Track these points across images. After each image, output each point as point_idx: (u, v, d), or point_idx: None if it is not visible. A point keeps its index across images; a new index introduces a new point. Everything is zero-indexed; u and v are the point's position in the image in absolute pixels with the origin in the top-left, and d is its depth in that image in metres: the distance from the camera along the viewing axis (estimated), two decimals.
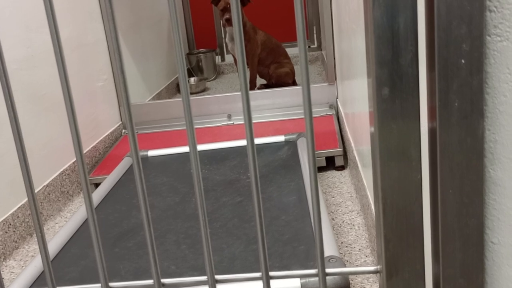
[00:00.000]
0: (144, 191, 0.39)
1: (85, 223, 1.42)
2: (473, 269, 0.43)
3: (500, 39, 0.36)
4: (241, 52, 0.38)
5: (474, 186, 0.39)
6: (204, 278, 0.43)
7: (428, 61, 0.38)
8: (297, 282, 1.00)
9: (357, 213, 1.62)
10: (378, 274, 0.43)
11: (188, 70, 3.67)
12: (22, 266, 1.49)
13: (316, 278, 1.00)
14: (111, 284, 0.43)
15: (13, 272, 1.47)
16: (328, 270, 0.44)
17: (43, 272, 1.20)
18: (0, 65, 0.41)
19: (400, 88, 0.37)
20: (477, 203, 0.40)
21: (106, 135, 2.25)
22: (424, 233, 0.42)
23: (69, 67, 2.00)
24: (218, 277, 0.44)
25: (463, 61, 0.36)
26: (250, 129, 0.42)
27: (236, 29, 0.38)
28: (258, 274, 0.44)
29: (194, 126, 2.03)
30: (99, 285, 0.42)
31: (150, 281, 0.43)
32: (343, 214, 1.64)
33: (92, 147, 2.10)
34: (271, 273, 0.44)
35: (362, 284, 1.28)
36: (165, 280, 0.43)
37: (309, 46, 3.80)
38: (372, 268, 0.43)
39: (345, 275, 1.01)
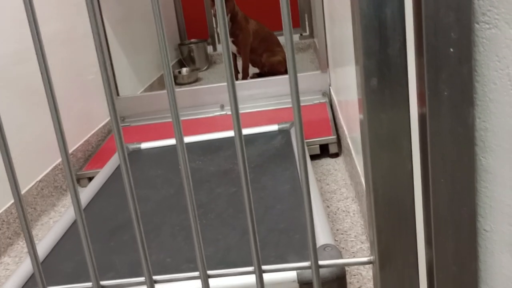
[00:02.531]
0: (132, 191, 0.39)
1: None
2: (466, 256, 0.43)
3: (489, 26, 0.36)
4: (226, 43, 0.38)
5: (466, 175, 0.39)
6: (196, 273, 0.43)
7: (416, 51, 0.37)
8: (293, 272, 1.00)
9: (352, 200, 1.63)
10: (370, 265, 0.43)
11: (180, 60, 3.64)
12: (17, 263, 1.49)
13: None
14: (102, 282, 0.42)
15: (8, 269, 1.47)
16: (321, 262, 0.44)
17: (32, 275, 1.19)
18: None
19: (389, 78, 0.36)
20: (469, 192, 0.40)
21: (99, 129, 2.23)
22: (417, 223, 0.42)
23: (59, 61, 1.98)
24: (210, 272, 0.43)
25: (451, 49, 0.36)
26: (237, 121, 0.42)
27: (221, 21, 0.38)
28: (251, 269, 0.44)
29: (182, 118, 2.01)
30: (90, 284, 0.42)
31: (141, 278, 0.43)
32: (338, 201, 1.64)
33: (84, 141, 2.08)
34: (264, 267, 0.44)
35: (358, 271, 1.29)
36: (156, 277, 0.43)
37: (301, 34, 3.78)
38: (365, 259, 0.43)
39: (339, 265, 1.01)
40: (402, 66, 0.36)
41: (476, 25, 0.36)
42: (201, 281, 0.42)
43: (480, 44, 0.36)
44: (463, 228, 0.41)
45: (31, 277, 1.15)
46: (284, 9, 0.37)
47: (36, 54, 0.39)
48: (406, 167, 0.39)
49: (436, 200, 0.40)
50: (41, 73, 0.39)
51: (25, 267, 1.16)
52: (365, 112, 0.37)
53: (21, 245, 1.57)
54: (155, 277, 0.43)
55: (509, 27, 0.34)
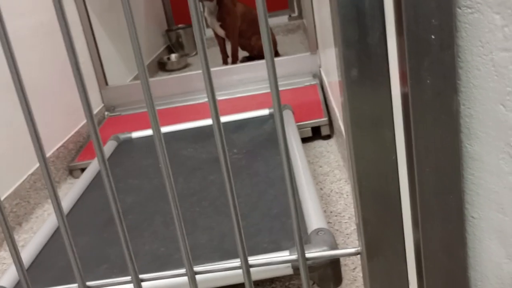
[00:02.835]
0: (114, 194, 0.38)
1: (72, 210, 1.41)
2: (455, 244, 0.43)
3: (471, 11, 0.35)
4: (200, 32, 0.36)
5: (451, 163, 0.39)
6: (182, 271, 0.43)
7: (397, 39, 0.36)
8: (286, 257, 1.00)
9: (345, 181, 1.63)
10: (359, 256, 0.43)
11: (168, 47, 3.60)
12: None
13: (306, 254, 1.01)
14: (88, 283, 0.42)
15: (4, 263, 1.46)
16: (308, 255, 0.43)
17: (34, 261, 1.19)
18: None
19: (370, 68, 0.35)
20: (455, 180, 0.39)
21: None
22: (404, 213, 0.41)
23: (45, 52, 1.95)
24: (197, 269, 0.43)
25: (433, 36, 0.34)
26: (215, 110, 0.41)
27: (193, 10, 0.36)
28: (237, 264, 0.43)
29: (173, 106, 1.99)
30: (76, 285, 0.41)
31: (128, 278, 0.42)
32: (331, 183, 1.64)
33: (75, 132, 2.06)
34: (251, 261, 0.44)
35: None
36: (143, 276, 0.42)
37: (289, 15, 3.74)
38: (352, 250, 0.43)
39: (334, 246, 1.02)
40: (382, 55, 0.35)
41: (458, 10, 0.35)
42: (188, 277, 0.42)
43: (463, 29, 0.35)
44: (451, 216, 0.41)
45: (28, 269, 1.15)
46: None
47: (4, 50, 0.38)
48: (390, 157, 0.38)
49: (422, 189, 0.39)
50: (11, 72, 0.38)
51: (10, 273, 1.16)
52: (346, 103, 0.36)
53: (16, 239, 1.57)
54: (141, 276, 0.42)
55: (491, 11, 0.33)
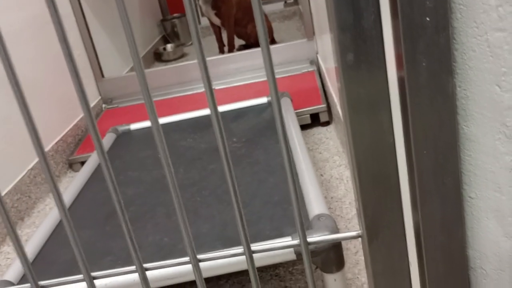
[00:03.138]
0: (114, 182, 0.38)
1: (73, 203, 1.41)
2: (453, 225, 0.43)
3: None
4: (194, 22, 0.36)
5: (449, 145, 0.39)
6: (186, 259, 0.43)
7: (392, 22, 0.36)
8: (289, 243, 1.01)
9: (345, 167, 1.63)
10: (360, 239, 0.44)
11: (164, 37, 3.58)
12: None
13: (309, 239, 1.02)
14: (93, 273, 0.42)
15: (8, 258, 1.48)
16: (310, 239, 0.44)
17: (37, 255, 1.20)
18: None
19: (365, 52, 0.36)
20: (452, 161, 0.40)
21: None
22: (402, 195, 0.42)
23: (39, 45, 1.94)
24: (200, 256, 0.43)
25: (428, 18, 0.35)
26: (213, 99, 0.41)
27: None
28: (240, 250, 0.44)
29: (171, 96, 1.98)
30: (81, 276, 0.42)
31: (132, 267, 0.43)
32: (331, 169, 1.65)
33: (73, 126, 2.06)
34: (254, 247, 0.44)
35: None
36: (147, 265, 0.43)
37: (285, 1, 3.71)
38: (353, 234, 0.43)
39: (335, 230, 1.02)
40: (377, 38, 0.36)
41: None
42: (192, 265, 0.42)
43: (458, 11, 0.36)
44: (449, 196, 0.41)
45: (32, 263, 1.16)
46: None
47: None
48: (387, 140, 0.39)
49: (420, 171, 0.39)
50: (4, 67, 0.38)
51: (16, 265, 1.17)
52: (343, 87, 0.36)
53: (19, 233, 1.58)
54: (146, 265, 0.43)
55: None
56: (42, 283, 0.40)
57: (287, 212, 1.20)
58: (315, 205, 1.15)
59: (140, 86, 0.39)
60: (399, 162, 0.40)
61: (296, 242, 0.43)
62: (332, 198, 1.54)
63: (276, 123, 0.38)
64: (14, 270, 1.13)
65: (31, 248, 1.20)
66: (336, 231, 1.04)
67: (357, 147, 0.38)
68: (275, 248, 0.43)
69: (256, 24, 0.36)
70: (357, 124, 0.37)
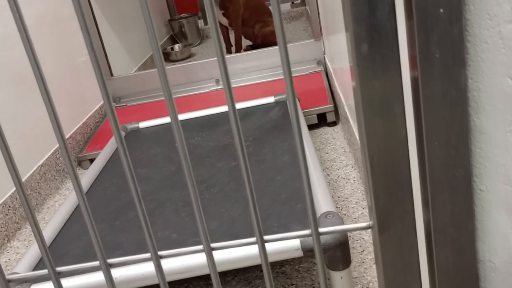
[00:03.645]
0: (131, 169, 0.39)
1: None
2: (463, 217, 0.44)
3: None
4: (214, 21, 0.37)
5: (460, 137, 0.39)
6: (200, 247, 0.44)
7: (406, 13, 0.37)
8: (296, 240, 1.02)
9: (352, 167, 1.64)
10: (370, 230, 0.44)
11: (172, 36, 3.60)
12: (27, 246, 1.51)
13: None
14: (109, 260, 0.43)
15: (18, 253, 1.49)
16: (321, 230, 0.45)
17: (49, 247, 1.21)
18: None
19: (379, 43, 0.36)
20: (463, 153, 0.40)
21: (96, 110, 2.23)
22: (413, 187, 0.42)
23: (48, 44, 1.96)
24: (213, 245, 0.44)
25: (441, 10, 0.35)
26: (230, 95, 0.42)
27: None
28: (253, 239, 0.44)
29: (179, 95, 2.00)
30: (97, 262, 0.43)
31: (147, 255, 0.44)
32: (338, 169, 1.65)
33: (82, 123, 2.08)
34: (266, 237, 0.45)
35: (361, 235, 1.31)
36: (162, 252, 0.44)
37: (292, 2, 3.72)
38: (364, 224, 0.44)
39: (339, 231, 1.03)
40: (392, 30, 0.36)
41: None
42: (205, 254, 0.43)
43: (471, 2, 0.36)
44: (459, 189, 0.42)
45: (42, 259, 1.17)
46: None
47: (22, 39, 0.39)
48: (400, 131, 0.39)
49: (431, 163, 0.40)
50: (29, 59, 0.39)
51: (34, 250, 1.18)
52: (357, 79, 0.37)
53: (29, 229, 1.59)
54: (160, 253, 0.44)
55: None
56: (59, 269, 0.41)
57: (294, 210, 1.20)
58: (323, 203, 1.15)
59: (161, 83, 0.40)
60: (411, 154, 0.41)
61: (307, 232, 0.44)
62: (338, 197, 1.54)
63: (292, 122, 0.39)
64: (23, 265, 1.14)
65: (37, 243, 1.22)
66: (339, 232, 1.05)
67: (370, 138, 0.39)
68: (287, 238, 0.43)
69: (275, 24, 0.37)
70: (370, 115, 0.38)
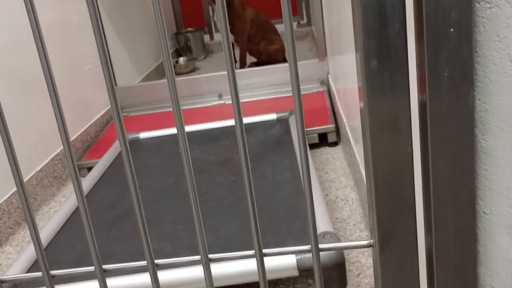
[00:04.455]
0: (133, 173, 0.39)
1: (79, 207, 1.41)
2: (466, 239, 0.43)
3: (490, 6, 0.36)
4: (226, 30, 0.37)
5: (466, 157, 0.39)
6: (197, 257, 0.43)
7: (416, 31, 0.37)
8: (292, 258, 1.00)
9: (351, 188, 1.63)
10: (370, 249, 0.44)
11: (177, 50, 3.62)
12: (19, 252, 1.49)
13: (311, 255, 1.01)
14: (105, 266, 0.42)
15: (10, 258, 1.47)
16: (321, 246, 0.44)
17: (36, 260, 1.20)
18: None
19: (389, 59, 0.36)
20: (468, 174, 0.40)
21: (97, 119, 2.23)
22: (416, 205, 0.42)
23: (55, 50, 1.97)
24: (212, 256, 0.43)
25: (452, 29, 0.35)
26: (238, 110, 0.42)
27: (221, 11, 0.37)
28: (251, 252, 0.44)
29: (181, 108, 2.01)
30: (93, 267, 0.42)
31: (143, 262, 0.43)
32: (337, 190, 1.65)
33: (83, 131, 2.08)
34: (265, 251, 0.44)
35: (357, 258, 1.29)
36: (158, 261, 0.43)
37: (298, 22, 3.76)
38: (365, 242, 0.43)
39: (339, 250, 1.02)
40: (402, 47, 0.36)
41: (477, 5, 0.36)
42: (203, 264, 0.42)
43: (481, 24, 0.36)
44: (463, 210, 0.41)
45: (33, 265, 1.15)
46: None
47: (36, 44, 0.39)
48: (405, 149, 0.39)
49: (436, 182, 0.40)
50: (41, 63, 0.39)
51: (27, 255, 1.17)
52: (365, 93, 0.37)
53: (22, 235, 1.58)
54: (157, 261, 0.43)
55: (510, 6, 0.34)
56: (53, 272, 0.40)
57: (292, 228, 1.19)
58: (321, 223, 1.14)
59: (171, 96, 0.40)
60: (416, 172, 0.40)
61: (307, 247, 0.43)
62: (336, 218, 1.53)
63: (298, 139, 0.39)
64: (14, 270, 1.13)
65: (33, 248, 1.20)
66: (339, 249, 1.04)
67: (375, 153, 0.38)
68: (286, 252, 0.43)
69: (287, 45, 0.37)
70: (377, 130, 0.38)
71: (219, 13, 0.40)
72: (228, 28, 0.39)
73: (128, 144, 0.39)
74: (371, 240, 0.43)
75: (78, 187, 0.38)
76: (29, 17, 0.38)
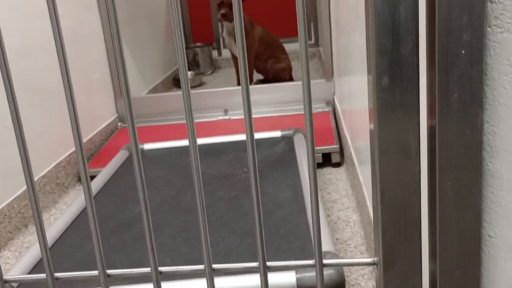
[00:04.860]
0: (142, 180, 0.39)
1: (80, 215, 1.41)
2: (470, 262, 0.43)
3: (501, 30, 0.36)
4: (242, 46, 0.38)
5: (473, 179, 0.39)
6: (201, 267, 0.43)
7: (428, 51, 0.38)
8: (292, 276, 1.00)
9: (353, 210, 1.62)
10: (374, 267, 0.43)
11: None
12: (17, 257, 1.49)
13: (311, 273, 1.00)
14: (109, 271, 0.42)
15: (8, 263, 1.46)
16: (325, 261, 0.44)
17: (37, 262, 1.19)
18: (1, 56, 0.40)
19: (400, 77, 0.37)
20: (475, 196, 0.40)
21: (102, 128, 2.24)
22: (422, 225, 0.42)
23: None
24: (215, 266, 0.43)
25: (463, 51, 0.36)
26: (250, 125, 0.42)
27: (238, 25, 0.38)
28: (255, 264, 0.44)
29: (183, 121, 2.02)
30: (97, 272, 0.42)
31: (147, 269, 0.43)
32: (339, 211, 1.64)
33: (88, 140, 2.09)
34: (269, 263, 0.44)
35: (357, 281, 1.28)
36: (162, 268, 0.43)
37: None
38: (369, 260, 0.43)
39: (340, 270, 1.01)
40: (413, 66, 0.37)
41: (488, 29, 0.37)
42: (206, 274, 0.42)
43: (492, 48, 0.37)
44: (468, 232, 0.41)
45: (31, 271, 1.15)
46: (300, 17, 0.38)
47: (57, 50, 0.40)
48: (413, 168, 0.39)
49: (442, 202, 0.40)
50: (60, 69, 0.40)
51: (28, 257, 1.16)
52: (375, 109, 0.38)
53: (21, 240, 1.57)
54: (160, 269, 0.43)
55: None
56: (57, 274, 0.40)
57: (292, 246, 1.19)
58: (322, 243, 1.14)
59: (185, 107, 0.40)
60: (422, 191, 0.40)
61: (311, 262, 0.43)
62: (337, 239, 1.52)
63: (308, 160, 0.39)
64: (17, 269, 1.12)
65: (32, 253, 1.20)
66: (341, 270, 1.03)
67: (383, 171, 0.39)
68: (290, 266, 0.43)
69: (301, 63, 0.38)
70: (385, 148, 0.38)
71: (237, 32, 0.41)
72: (244, 46, 0.40)
73: (140, 154, 0.39)
74: (375, 258, 0.43)
75: (89, 195, 0.39)
76: (52, 26, 0.39)
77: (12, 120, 0.42)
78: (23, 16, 1.71)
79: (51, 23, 0.39)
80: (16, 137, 0.39)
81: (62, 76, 0.40)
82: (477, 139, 0.38)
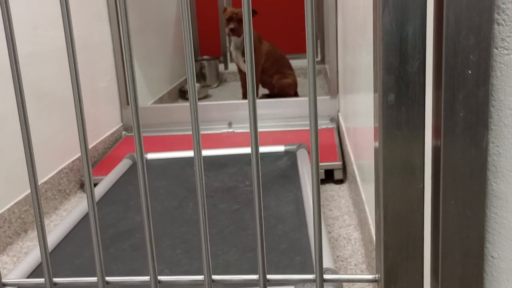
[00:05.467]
0: (146, 188, 0.39)
1: (80, 222, 1.41)
2: (472, 283, 0.43)
3: (507, 52, 0.37)
4: (250, 61, 0.39)
5: (476, 198, 0.39)
6: (200, 277, 0.43)
7: (434, 70, 0.38)
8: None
9: (354, 227, 1.61)
10: (375, 284, 0.43)
11: None
12: (15, 262, 1.48)
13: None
14: (107, 278, 0.42)
15: (5, 268, 1.46)
16: (326, 277, 0.44)
17: (36, 267, 1.19)
18: (14, 62, 0.41)
19: (406, 95, 0.37)
20: (478, 216, 0.40)
21: (106, 136, 2.25)
22: (424, 243, 0.42)
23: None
24: (215, 277, 0.43)
25: (470, 71, 0.36)
26: (255, 139, 0.42)
27: (247, 41, 0.39)
28: (255, 277, 0.44)
29: (187, 133, 2.02)
30: (95, 278, 0.42)
31: (146, 278, 0.43)
32: (340, 228, 1.63)
33: (91, 147, 2.09)
34: (269, 276, 0.44)
35: None
36: (161, 278, 0.43)
37: None
38: (370, 277, 0.43)
39: (344, 282, 1.00)
40: (420, 84, 0.37)
41: (495, 50, 0.37)
42: (205, 285, 0.42)
43: (498, 69, 0.37)
44: (471, 252, 0.41)
45: (32, 273, 1.14)
46: (309, 35, 0.38)
47: (68, 57, 0.40)
48: (417, 185, 0.39)
49: (445, 221, 0.40)
50: (71, 77, 0.40)
51: (27, 263, 1.16)
52: (381, 129, 0.38)
53: (20, 245, 1.57)
54: (159, 278, 0.43)
55: None
56: (56, 280, 0.40)
57: (293, 261, 1.18)
58: (323, 259, 1.13)
59: (191, 119, 0.41)
60: (426, 209, 0.40)
61: (311, 276, 0.43)
62: (337, 257, 1.51)
63: (312, 176, 0.39)
64: (17, 272, 1.12)
65: (30, 259, 1.19)
66: (340, 286, 1.02)
67: (387, 187, 0.39)
68: (290, 280, 0.42)
69: (308, 80, 0.38)
70: (389, 164, 0.38)
71: (246, 47, 0.41)
72: (253, 60, 0.41)
73: (145, 163, 0.40)
74: (377, 275, 0.43)
75: (92, 202, 0.39)
76: (65, 36, 0.39)
77: (21, 126, 0.43)
78: (35, 24, 1.74)
79: (65, 33, 0.39)
80: (24, 143, 0.39)
81: (72, 85, 0.41)
82: (482, 159, 0.38)
